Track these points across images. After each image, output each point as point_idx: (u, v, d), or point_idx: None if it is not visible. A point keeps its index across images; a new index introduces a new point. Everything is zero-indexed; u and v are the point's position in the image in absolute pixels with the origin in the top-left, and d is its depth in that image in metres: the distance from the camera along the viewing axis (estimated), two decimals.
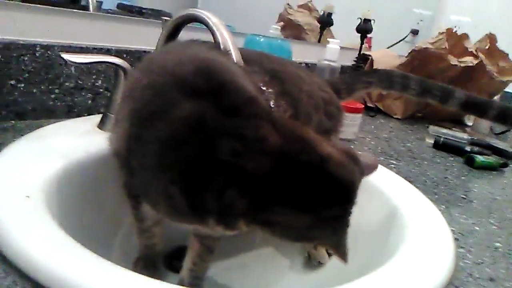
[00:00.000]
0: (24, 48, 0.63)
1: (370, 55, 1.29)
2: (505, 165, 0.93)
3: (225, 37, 0.57)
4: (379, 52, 1.35)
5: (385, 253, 0.49)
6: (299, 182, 0.36)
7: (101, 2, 0.82)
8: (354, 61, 1.25)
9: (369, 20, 1.16)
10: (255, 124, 0.37)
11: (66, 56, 0.57)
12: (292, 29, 1.35)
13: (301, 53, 1.20)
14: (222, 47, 0.56)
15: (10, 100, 0.64)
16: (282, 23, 1.34)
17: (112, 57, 0.62)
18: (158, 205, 0.42)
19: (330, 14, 1.24)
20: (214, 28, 0.57)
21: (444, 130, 1.06)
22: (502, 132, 1.31)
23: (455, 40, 1.20)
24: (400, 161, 0.83)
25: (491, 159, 0.92)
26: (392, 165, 0.80)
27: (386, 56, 1.31)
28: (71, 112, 0.70)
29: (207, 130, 0.36)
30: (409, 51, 1.20)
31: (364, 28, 1.17)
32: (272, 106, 0.57)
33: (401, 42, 1.63)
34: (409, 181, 0.73)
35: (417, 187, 0.71)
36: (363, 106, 0.91)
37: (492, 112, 0.69)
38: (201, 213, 0.38)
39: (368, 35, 1.51)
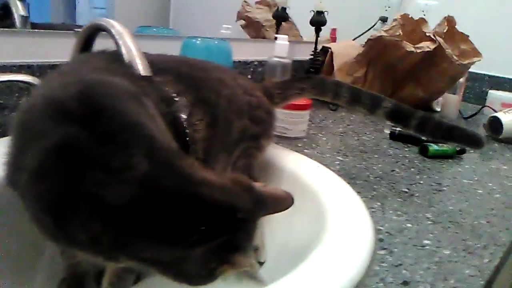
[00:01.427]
0: None
1: (329, 48, 1.26)
2: (461, 151, 0.90)
3: (129, 47, 0.54)
4: (340, 43, 1.32)
5: (298, 259, 0.47)
6: (162, 211, 0.33)
7: (27, 17, 0.79)
8: (311, 54, 1.22)
9: (322, 12, 1.13)
10: (126, 153, 0.35)
11: None
12: (252, 27, 1.33)
13: (253, 50, 1.17)
14: (126, 57, 0.53)
15: None
16: (242, 21, 1.32)
17: (21, 75, 0.59)
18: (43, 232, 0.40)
19: (284, 9, 1.20)
20: (117, 37, 0.55)
21: None
22: (470, 116, 1.28)
23: (413, 26, 1.17)
24: (347, 157, 0.81)
25: (447, 147, 0.89)
26: (337, 162, 0.77)
27: (347, 47, 1.28)
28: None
29: (77, 159, 0.34)
30: (366, 41, 1.17)
31: (318, 21, 1.14)
32: (184, 116, 0.55)
33: (370, 30, 1.60)
34: (350, 178, 0.70)
35: (357, 183, 0.69)
36: (310, 102, 0.88)
37: (413, 122, 0.67)
38: (76, 244, 0.36)
39: (335, 27, 1.49)
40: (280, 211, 0.41)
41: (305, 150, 0.81)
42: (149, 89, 0.52)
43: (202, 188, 0.35)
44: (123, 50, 0.54)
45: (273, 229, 0.60)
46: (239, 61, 1.11)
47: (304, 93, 0.72)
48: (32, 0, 0.83)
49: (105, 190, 0.33)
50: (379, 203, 0.62)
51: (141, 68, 0.53)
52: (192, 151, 0.56)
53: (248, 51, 1.17)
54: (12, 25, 0.77)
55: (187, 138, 0.55)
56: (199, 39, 0.85)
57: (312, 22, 1.16)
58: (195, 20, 1.14)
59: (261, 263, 0.59)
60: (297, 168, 0.67)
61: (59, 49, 0.76)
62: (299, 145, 0.85)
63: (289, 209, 0.42)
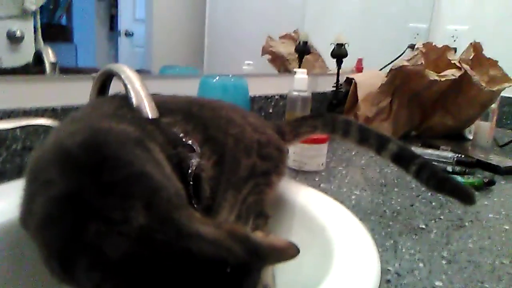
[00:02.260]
0: None
1: (353, 78, 1.25)
2: (490, 183, 0.85)
3: (137, 90, 0.57)
4: (364, 74, 1.32)
5: None
6: (153, 266, 0.34)
7: (56, 63, 0.85)
8: (333, 86, 1.22)
9: (342, 45, 1.13)
10: (126, 206, 0.36)
11: None
12: (277, 61, 1.36)
13: (276, 84, 1.19)
14: (134, 101, 0.56)
15: None
16: (268, 55, 1.35)
17: (39, 119, 0.63)
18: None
19: (305, 43, 1.22)
20: (126, 82, 0.58)
21: (429, 151, 1.00)
22: (506, 144, 1.22)
23: (438, 53, 1.15)
24: (365, 191, 0.79)
25: (474, 179, 0.85)
26: (353, 196, 0.76)
27: (371, 77, 1.26)
28: (22, 172, 0.72)
29: (80, 209, 0.36)
30: (388, 71, 1.16)
31: (338, 53, 1.15)
32: (193, 159, 0.56)
33: (399, 59, 1.58)
34: (365, 213, 0.69)
35: (371, 219, 0.67)
36: (327, 136, 0.88)
37: (413, 167, 0.66)
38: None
39: (361, 57, 1.49)
40: (282, 261, 0.41)
41: (322, 185, 0.80)
42: (156, 131, 0.54)
43: (193, 242, 0.36)
44: (132, 94, 0.57)
45: (284, 266, 0.60)
46: (260, 96, 1.13)
47: (316, 131, 0.73)
48: (80, 42, 0.90)
49: (104, 241, 0.35)
50: (392, 241, 0.60)
51: (149, 111, 0.55)
52: (200, 191, 0.56)
53: (271, 85, 1.19)
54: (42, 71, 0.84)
55: (194, 179, 0.56)
56: (216, 77, 0.87)
57: (333, 55, 1.16)
58: (227, 57, 1.18)
59: None
60: (307, 203, 0.66)
61: (83, 93, 0.80)
62: (316, 179, 0.84)
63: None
